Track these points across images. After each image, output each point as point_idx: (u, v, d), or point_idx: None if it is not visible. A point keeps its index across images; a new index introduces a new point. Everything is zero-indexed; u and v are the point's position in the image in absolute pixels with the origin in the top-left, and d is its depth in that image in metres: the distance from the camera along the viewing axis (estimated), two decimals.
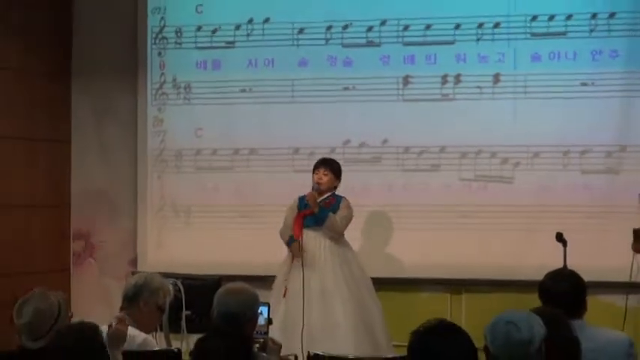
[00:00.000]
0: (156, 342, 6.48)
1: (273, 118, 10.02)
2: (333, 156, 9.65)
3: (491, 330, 4.35)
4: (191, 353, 5.61)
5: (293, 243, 8.66)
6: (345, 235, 8.95)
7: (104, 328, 6.01)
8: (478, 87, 9.66)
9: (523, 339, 4.32)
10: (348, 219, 8.80)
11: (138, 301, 6.35)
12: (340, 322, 8.50)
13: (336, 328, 8.43)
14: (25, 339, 5.63)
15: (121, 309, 6.39)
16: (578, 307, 5.64)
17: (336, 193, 8.86)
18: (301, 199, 8.80)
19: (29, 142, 10.07)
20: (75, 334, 4.91)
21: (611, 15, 9.40)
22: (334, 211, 8.74)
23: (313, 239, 8.73)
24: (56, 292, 5.85)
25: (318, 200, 8.72)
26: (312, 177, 8.81)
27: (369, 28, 9.88)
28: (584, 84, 9.45)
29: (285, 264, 8.75)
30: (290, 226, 8.77)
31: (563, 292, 5.69)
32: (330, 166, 8.86)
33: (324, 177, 8.79)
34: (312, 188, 8.74)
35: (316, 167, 8.86)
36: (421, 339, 4.01)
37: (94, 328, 4.98)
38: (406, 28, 9.80)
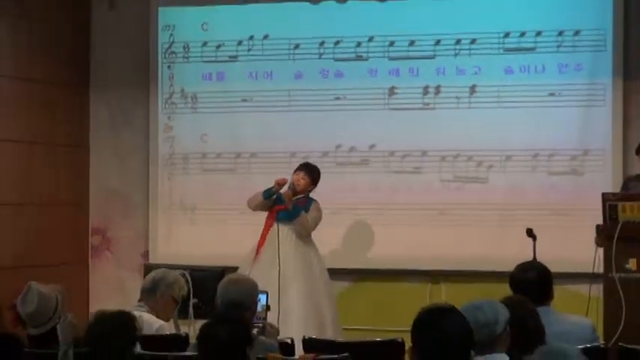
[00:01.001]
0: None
1: (271, 125, 10.01)
2: (325, 159, 9.70)
3: None
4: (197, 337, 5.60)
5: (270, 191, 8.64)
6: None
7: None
8: (456, 97, 9.66)
9: (489, 321, 4.34)
10: (317, 220, 8.74)
11: (155, 292, 6.43)
12: (294, 309, 8.44)
13: (289, 314, 8.34)
14: (30, 326, 5.65)
15: (140, 300, 6.41)
16: (544, 295, 5.65)
17: (310, 196, 8.81)
18: (278, 195, 8.76)
19: (52, 147, 10.06)
20: (114, 320, 4.90)
21: (576, 32, 9.40)
22: (305, 211, 8.70)
23: (283, 233, 8.68)
24: (54, 285, 5.85)
25: (293, 199, 8.69)
26: (292, 176, 8.78)
27: (358, 44, 9.87)
28: (551, 94, 9.45)
29: (249, 258, 8.70)
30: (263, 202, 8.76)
31: (530, 282, 5.70)
32: (309, 173, 8.80)
33: (302, 180, 8.74)
34: (289, 187, 8.70)
35: (298, 169, 8.82)
36: (426, 316, 4.01)
37: (130, 316, 4.98)
38: (391, 44, 9.79)
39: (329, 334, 8.40)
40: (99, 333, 4.84)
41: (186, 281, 7.77)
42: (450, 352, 3.92)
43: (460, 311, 4.07)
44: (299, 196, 8.71)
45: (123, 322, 4.91)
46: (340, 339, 8.44)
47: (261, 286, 8.00)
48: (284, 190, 8.64)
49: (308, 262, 8.69)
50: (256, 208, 8.77)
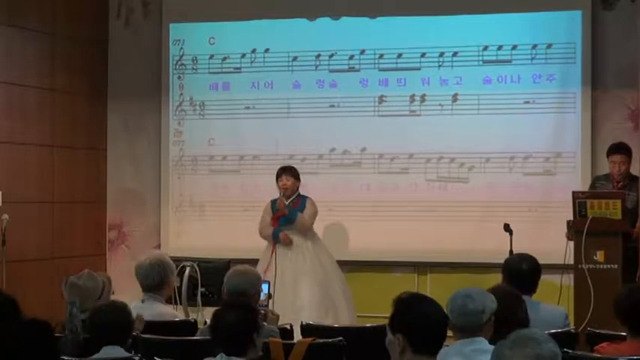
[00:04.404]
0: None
1: (272, 130, 9.99)
2: (320, 161, 9.72)
3: (451, 301, 4.35)
4: (205, 323, 5.59)
5: (279, 233, 8.65)
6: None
7: (136, 304, 5.98)
8: (440, 105, 9.64)
9: (477, 309, 4.32)
10: (314, 215, 8.78)
11: (166, 281, 6.21)
12: (305, 304, 8.44)
13: (301, 310, 8.33)
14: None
15: (149, 291, 6.18)
16: (532, 286, 5.66)
17: (301, 193, 8.86)
18: (273, 201, 8.78)
19: (72, 150, 10.03)
20: (110, 311, 4.92)
21: (549, 46, 9.39)
22: (301, 210, 8.71)
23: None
24: (102, 273, 5.83)
25: (287, 203, 8.69)
26: (277, 184, 8.78)
27: (351, 57, 9.85)
28: (526, 102, 9.44)
29: (267, 251, 8.72)
30: (268, 224, 8.80)
31: (523, 272, 5.68)
32: (290, 173, 8.84)
33: (288, 182, 8.77)
34: (280, 195, 8.72)
35: (279, 175, 8.83)
36: (407, 299, 3.99)
37: (123, 306, 4.98)
38: (381, 56, 9.77)
39: (342, 315, 8.42)
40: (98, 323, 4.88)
41: (195, 272, 7.76)
42: (431, 330, 3.90)
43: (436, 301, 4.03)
44: (291, 199, 8.73)
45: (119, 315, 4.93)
46: (354, 320, 8.49)
47: (282, 290, 8.06)
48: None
49: (316, 253, 8.73)
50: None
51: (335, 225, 9.71)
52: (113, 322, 4.89)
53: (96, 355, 4.83)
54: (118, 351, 4.82)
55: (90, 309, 5.35)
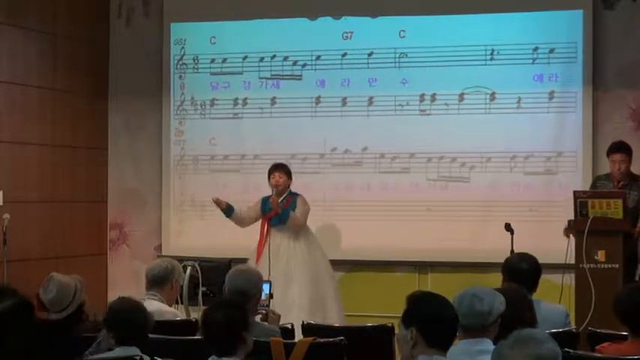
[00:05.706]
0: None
1: (273, 130, 9.98)
2: (322, 161, 9.70)
3: (459, 299, 4.35)
4: (200, 321, 5.59)
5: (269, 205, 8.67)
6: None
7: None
8: (446, 104, 9.61)
9: (484, 311, 4.31)
10: (306, 212, 8.77)
11: (168, 281, 6.23)
12: (295, 300, 8.43)
13: (291, 305, 8.33)
14: (51, 312, 5.61)
15: (150, 289, 6.24)
16: (532, 286, 5.66)
17: (292, 191, 8.84)
18: (264, 199, 8.76)
19: (73, 150, 10.04)
20: (125, 310, 4.90)
21: (550, 45, 9.36)
22: (293, 209, 8.70)
23: (280, 235, 8.69)
24: (74, 275, 5.83)
25: (279, 201, 8.67)
26: (269, 182, 8.76)
27: (353, 57, 9.83)
28: (527, 101, 9.42)
29: (255, 254, 8.71)
30: (248, 217, 8.83)
31: (523, 272, 5.68)
32: (282, 170, 8.83)
33: (280, 179, 8.75)
34: (272, 192, 8.70)
35: (271, 172, 8.81)
36: (422, 295, 4.01)
37: (139, 305, 4.98)
38: (384, 56, 9.75)
39: (331, 312, 8.41)
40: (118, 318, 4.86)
41: (196, 271, 7.76)
42: (446, 326, 3.92)
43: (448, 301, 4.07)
44: (283, 197, 8.72)
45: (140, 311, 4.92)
46: (342, 316, 8.49)
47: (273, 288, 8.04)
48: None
49: (309, 248, 8.71)
50: (248, 223, 8.80)
51: (336, 224, 9.70)
52: (128, 321, 4.81)
53: (102, 355, 4.80)
54: (134, 351, 4.74)
55: (66, 307, 5.52)
